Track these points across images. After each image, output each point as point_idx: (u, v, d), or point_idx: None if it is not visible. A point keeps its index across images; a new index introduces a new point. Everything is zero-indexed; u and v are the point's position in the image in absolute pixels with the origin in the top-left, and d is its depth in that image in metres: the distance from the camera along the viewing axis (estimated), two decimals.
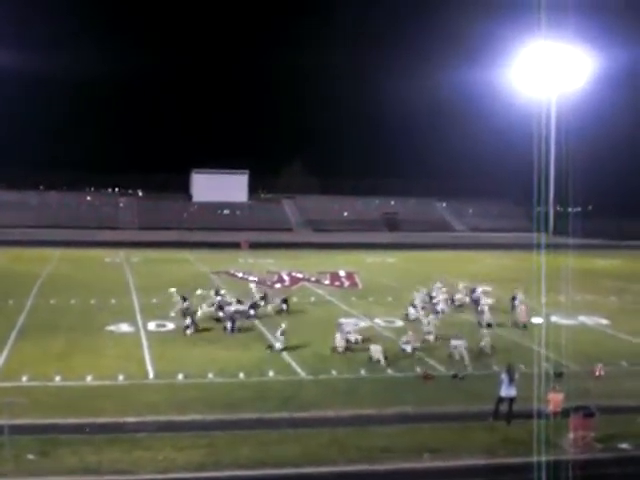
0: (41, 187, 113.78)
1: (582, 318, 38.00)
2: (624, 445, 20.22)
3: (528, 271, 49.74)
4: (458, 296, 41.47)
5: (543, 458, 16.36)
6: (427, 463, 18.99)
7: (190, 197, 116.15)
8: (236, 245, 79.07)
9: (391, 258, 71.34)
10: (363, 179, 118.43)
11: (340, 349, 30.66)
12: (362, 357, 29.71)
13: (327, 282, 48.58)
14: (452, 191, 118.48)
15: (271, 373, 27.28)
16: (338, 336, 31.16)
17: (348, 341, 31.37)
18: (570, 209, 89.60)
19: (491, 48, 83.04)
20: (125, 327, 35.39)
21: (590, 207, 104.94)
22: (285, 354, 30.28)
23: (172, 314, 37.21)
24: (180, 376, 26.59)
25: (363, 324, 35.78)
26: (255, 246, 78.59)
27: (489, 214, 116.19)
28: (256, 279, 51.81)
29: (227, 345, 31.78)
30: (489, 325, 35.27)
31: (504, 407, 22.34)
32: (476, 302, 40.18)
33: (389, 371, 27.90)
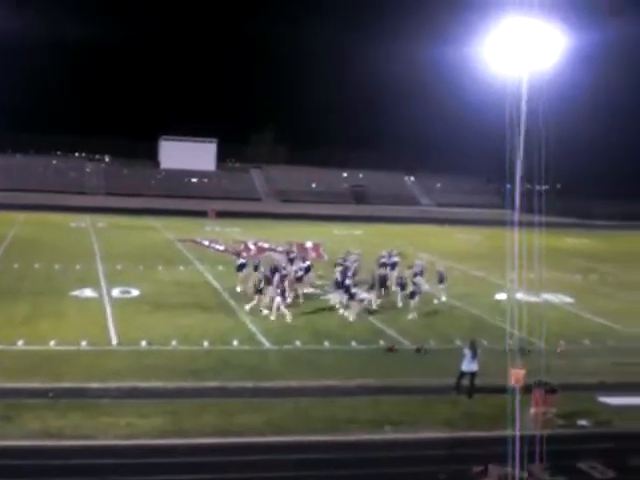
0: (8, 150, 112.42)
1: (547, 296, 38.37)
2: (584, 422, 20.53)
3: (495, 247, 50.14)
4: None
5: (503, 432, 16.57)
6: (388, 435, 19.16)
7: (158, 164, 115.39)
8: (203, 213, 78.82)
9: (358, 230, 71.51)
10: (332, 151, 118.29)
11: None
12: (326, 329, 29.86)
13: (293, 253, 48.67)
14: (421, 166, 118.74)
15: (235, 342, 27.34)
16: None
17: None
18: (539, 187, 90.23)
19: (464, 24, 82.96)
20: (89, 293, 35.23)
21: (559, 186, 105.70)
22: (249, 323, 30.35)
23: (238, 289, 36.61)
24: (144, 343, 26.55)
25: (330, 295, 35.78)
26: (222, 215, 78.37)
27: (458, 190, 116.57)
28: (222, 248, 51.78)
29: (190, 313, 31.76)
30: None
31: (466, 381, 22.58)
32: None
33: (353, 343, 28.06)
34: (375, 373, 24.35)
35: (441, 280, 37.32)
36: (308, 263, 37.84)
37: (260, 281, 32.68)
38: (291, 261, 38.84)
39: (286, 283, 33.47)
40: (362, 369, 24.77)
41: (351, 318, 31.68)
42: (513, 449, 14.99)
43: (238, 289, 36.42)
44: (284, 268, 34.74)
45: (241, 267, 37.35)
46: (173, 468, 16.69)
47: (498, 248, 29.18)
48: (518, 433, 14.60)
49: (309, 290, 36.29)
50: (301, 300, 34.43)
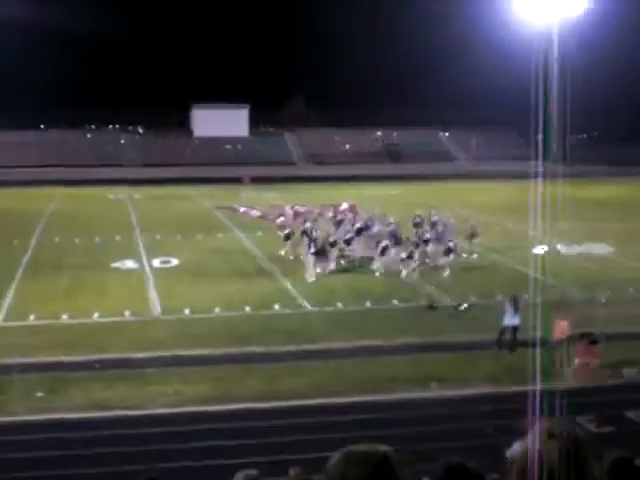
0: (42, 126, 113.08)
1: (587, 246, 38.04)
2: (630, 371, 20.39)
3: (532, 201, 49.71)
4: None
5: (547, 385, 16.51)
6: (432, 393, 19.19)
7: (191, 133, 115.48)
8: (239, 180, 78.92)
9: (393, 190, 71.22)
10: (365, 111, 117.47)
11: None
12: (367, 289, 29.91)
13: (330, 215, 48.61)
14: (455, 121, 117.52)
15: (277, 307, 27.46)
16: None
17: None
18: (573, 136, 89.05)
19: None
20: (130, 264, 35.54)
21: (595, 134, 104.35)
22: (290, 287, 30.47)
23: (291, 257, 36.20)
24: (187, 311, 26.76)
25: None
26: (257, 180, 78.44)
27: (493, 144, 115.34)
28: (259, 213, 51.86)
29: (230, 279, 31.92)
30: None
31: (508, 335, 22.52)
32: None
33: (394, 302, 28.07)
34: (416, 331, 24.36)
35: (473, 235, 37.14)
36: (359, 225, 37.62)
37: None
38: (338, 223, 38.90)
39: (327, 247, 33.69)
40: (403, 328, 24.79)
41: (414, 277, 31.77)
42: (556, 401, 14.95)
43: (291, 257, 36.14)
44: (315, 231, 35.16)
45: (288, 236, 37.16)
46: (220, 434, 16.86)
47: (537, 201, 28.94)
48: (555, 386, 14.53)
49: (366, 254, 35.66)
50: (351, 263, 34.43)
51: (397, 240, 34.78)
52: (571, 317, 21.49)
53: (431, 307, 27.35)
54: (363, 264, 34.51)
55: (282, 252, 36.52)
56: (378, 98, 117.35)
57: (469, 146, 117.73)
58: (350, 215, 43.22)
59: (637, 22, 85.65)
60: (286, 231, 37.49)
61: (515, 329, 22.40)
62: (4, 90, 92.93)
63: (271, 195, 65.38)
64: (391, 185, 76.30)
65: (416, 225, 38.87)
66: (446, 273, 32.42)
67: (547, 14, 42.86)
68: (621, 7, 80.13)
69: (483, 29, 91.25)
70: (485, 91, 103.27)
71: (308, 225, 37.09)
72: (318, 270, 32.15)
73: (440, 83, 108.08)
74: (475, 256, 36.23)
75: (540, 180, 19.33)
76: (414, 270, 31.97)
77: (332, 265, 33.49)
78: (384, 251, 33.06)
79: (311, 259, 32.36)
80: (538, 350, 20.30)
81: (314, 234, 34.66)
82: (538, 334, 21.51)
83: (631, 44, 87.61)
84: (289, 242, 36.88)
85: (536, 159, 30.30)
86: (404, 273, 31.82)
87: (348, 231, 36.34)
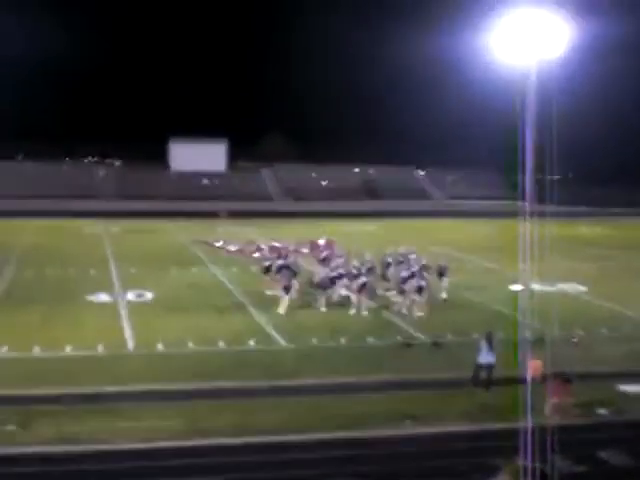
0: (19, 157, 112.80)
1: (562, 285, 38.25)
2: (602, 411, 20.47)
3: (508, 239, 50.02)
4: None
5: (522, 424, 16.53)
6: (407, 430, 19.15)
7: (168, 166, 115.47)
8: (215, 214, 78.89)
9: (371, 226, 71.47)
10: (343, 147, 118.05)
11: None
12: (343, 326, 29.90)
13: (306, 251, 48.61)
14: (431, 160, 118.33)
15: (251, 342, 27.37)
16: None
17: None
18: (550, 177, 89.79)
19: (470, 14, 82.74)
20: (104, 297, 35.32)
21: (570, 175, 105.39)
22: (265, 324, 30.40)
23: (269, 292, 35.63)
24: (160, 346, 26.61)
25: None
26: (234, 215, 78.45)
27: (469, 182, 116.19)
28: (235, 249, 51.80)
29: (205, 314, 31.82)
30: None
31: (483, 374, 22.56)
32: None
33: (369, 339, 28.05)
34: (391, 368, 24.36)
35: (441, 275, 36.64)
36: (369, 266, 36.49)
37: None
38: (324, 261, 38.61)
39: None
40: (379, 365, 24.77)
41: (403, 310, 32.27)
42: (529, 440, 14.96)
43: (269, 292, 35.66)
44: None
45: (268, 269, 36.97)
46: (192, 469, 16.72)
47: (512, 240, 29.08)
48: (531, 424, 14.54)
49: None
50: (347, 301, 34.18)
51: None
52: (544, 356, 21.54)
53: (408, 344, 27.37)
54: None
55: (269, 292, 35.74)
56: (356, 134, 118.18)
57: (444, 184, 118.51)
58: (326, 252, 43.13)
59: (617, 66, 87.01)
60: (266, 264, 37.44)
61: (490, 367, 22.46)
62: None
63: (248, 230, 65.39)
64: (368, 221, 76.55)
65: (387, 265, 37.91)
66: (420, 313, 32.31)
67: (527, 55, 43.43)
68: (602, 50, 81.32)
69: (461, 69, 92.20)
70: (461, 131, 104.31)
71: (291, 259, 37.34)
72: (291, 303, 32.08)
73: (417, 121, 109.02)
74: (444, 295, 35.88)
75: (521, 219, 19.49)
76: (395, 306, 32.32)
77: (336, 296, 33.88)
78: (361, 289, 32.90)
79: (285, 294, 32.43)
80: (512, 388, 20.39)
81: (295, 269, 34.91)
82: (512, 372, 21.60)
83: (612, 88, 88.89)
84: (268, 276, 36.74)
85: (513, 199, 30.57)
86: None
87: (338, 267, 35.58)
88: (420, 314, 32.04)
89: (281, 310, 32.11)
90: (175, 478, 16.26)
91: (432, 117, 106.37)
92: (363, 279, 33.06)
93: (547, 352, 21.58)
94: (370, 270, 35.46)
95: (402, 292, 33.05)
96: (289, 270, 35.05)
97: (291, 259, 38.19)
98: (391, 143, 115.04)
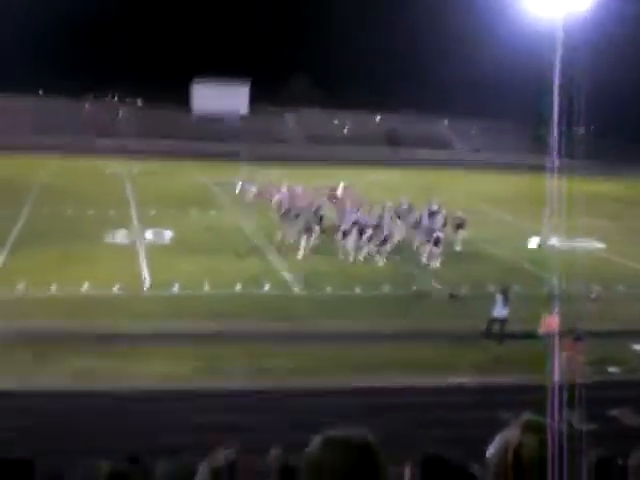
0: (40, 92, 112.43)
1: (580, 241, 38.08)
2: (614, 369, 20.51)
3: (529, 192, 49.71)
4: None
5: (532, 378, 16.61)
6: (417, 380, 19.26)
7: (190, 107, 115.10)
8: (237, 156, 78.74)
9: (392, 175, 71.21)
10: (368, 93, 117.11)
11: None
12: (360, 273, 29.98)
13: (325, 198, 48.58)
14: (457, 109, 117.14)
15: (267, 287, 27.50)
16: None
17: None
18: (575, 130, 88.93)
19: None
20: (122, 237, 35.49)
21: (592, 128, 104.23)
22: (282, 269, 30.52)
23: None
24: (176, 287, 26.78)
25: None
26: (256, 158, 78.31)
27: (493, 134, 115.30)
28: (256, 191, 51.74)
29: (223, 257, 31.92)
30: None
31: (496, 327, 22.63)
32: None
33: (385, 289, 28.11)
34: (405, 318, 24.45)
35: (459, 227, 36.47)
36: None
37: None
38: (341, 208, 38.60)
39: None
40: (392, 314, 24.87)
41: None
42: (549, 396, 15.03)
43: (291, 240, 35.33)
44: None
45: (286, 214, 36.69)
46: (205, 412, 16.91)
47: (533, 193, 28.89)
48: (557, 379, 14.61)
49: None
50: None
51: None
52: (561, 312, 21.55)
53: (452, 295, 27.39)
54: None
55: (279, 235, 36.17)
56: (381, 83, 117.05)
57: (468, 135, 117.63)
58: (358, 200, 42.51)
59: None
60: (283, 210, 37.38)
61: (503, 321, 22.52)
62: (3, 54, 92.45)
63: (269, 173, 65.35)
64: (389, 170, 76.29)
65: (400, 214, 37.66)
66: (437, 262, 32.48)
67: (555, 7, 42.74)
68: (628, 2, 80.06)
69: (489, 19, 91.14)
70: (488, 82, 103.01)
71: (312, 204, 37.46)
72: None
73: (443, 71, 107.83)
74: (458, 248, 35.74)
75: (545, 173, 19.36)
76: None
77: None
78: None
79: (304, 239, 32.69)
80: (525, 343, 20.44)
81: (315, 214, 35.19)
82: (527, 327, 21.62)
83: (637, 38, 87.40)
84: (287, 221, 36.62)
85: (538, 152, 30.35)
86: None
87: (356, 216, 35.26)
88: (436, 265, 32.15)
89: (299, 255, 32.23)
90: (189, 419, 16.43)
91: (458, 67, 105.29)
92: (385, 232, 33.11)
93: (564, 308, 21.63)
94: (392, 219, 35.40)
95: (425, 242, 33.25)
96: (309, 215, 35.02)
97: (312, 204, 38.10)
98: (415, 91, 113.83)
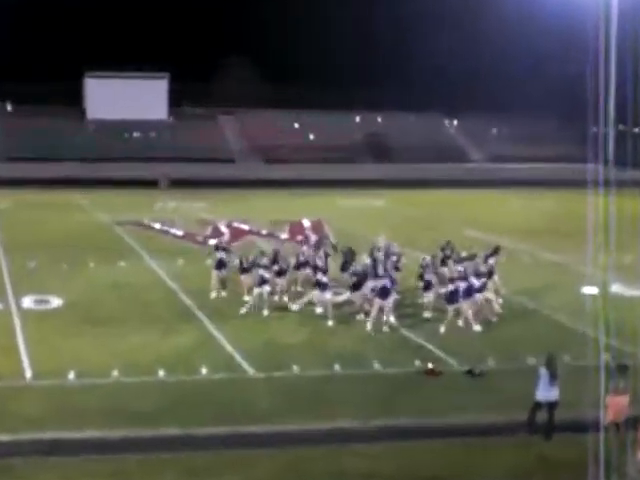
0: None
1: None
2: None
3: (576, 218, 50.06)
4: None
5: None
6: None
7: (83, 112, 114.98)
8: (152, 183, 78.78)
9: (379, 200, 71.48)
10: (336, 87, 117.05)
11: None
12: (338, 346, 29.93)
13: (285, 236, 48.52)
14: (467, 106, 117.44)
15: (204, 369, 27.34)
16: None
17: None
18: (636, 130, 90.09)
19: None
20: None
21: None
22: (225, 341, 30.40)
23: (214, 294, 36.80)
24: (71, 375, 26.55)
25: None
26: (179, 184, 78.34)
27: (520, 138, 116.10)
28: (181, 233, 51.61)
29: (138, 329, 31.77)
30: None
31: (543, 415, 22.59)
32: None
33: (375, 365, 28.06)
34: (407, 408, 24.38)
35: (490, 275, 36.58)
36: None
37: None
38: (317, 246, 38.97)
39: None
40: (388, 403, 24.79)
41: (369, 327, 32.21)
42: None
43: (213, 294, 36.64)
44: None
45: (220, 264, 37.22)
46: None
47: (581, 219, 28.96)
48: None
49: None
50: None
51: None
52: (631, 391, 21.58)
53: (432, 372, 27.38)
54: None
55: (213, 293, 36.64)
56: (357, 71, 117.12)
57: (487, 139, 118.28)
58: (314, 237, 43.08)
59: None
60: (219, 255, 37.37)
61: (552, 406, 22.48)
62: None
63: (199, 206, 65.30)
64: (375, 193, 76.55)
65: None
66: (427, 314, 32.84)
67: None
68: None
69: None
70: (508, 68, 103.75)
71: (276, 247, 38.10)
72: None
73: (446, 55, 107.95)
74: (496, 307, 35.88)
75: (596, 189, 19.43)
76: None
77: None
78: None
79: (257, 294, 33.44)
80: (584, 437, 20.44)
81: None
82: (584, 413, 21.66)
83: None
84: (223, 272, 36.98)
85: (582, 161, 30.65)
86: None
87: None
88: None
89: (243, 310, 32.42)
90: None
91: (468, 49, 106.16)
92: (382, 281, 33.28)
93: (635, 385, 21.65)
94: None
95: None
96: (263, 264, 35.08)
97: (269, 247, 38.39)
98: (409, 83, 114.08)
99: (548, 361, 23.17)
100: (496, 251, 36.91)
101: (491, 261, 36.30)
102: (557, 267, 44.21)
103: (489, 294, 33.69)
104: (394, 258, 36.45)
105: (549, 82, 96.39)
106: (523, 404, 22.87)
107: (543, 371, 22.86)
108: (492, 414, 23.82)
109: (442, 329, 32.14)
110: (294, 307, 34.54)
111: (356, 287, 33.70)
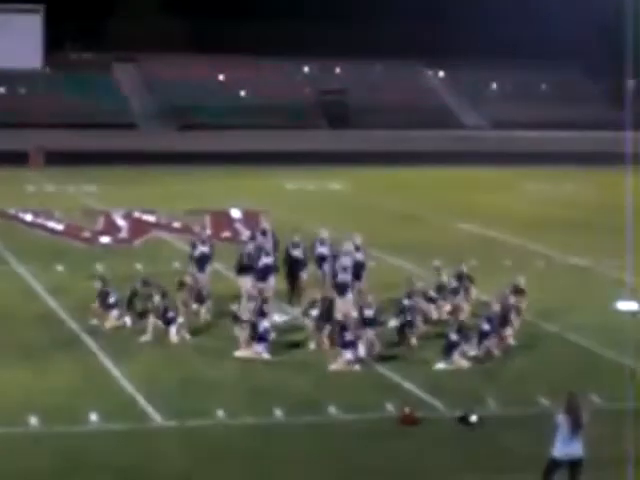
0: None
1: None
2: None
3: (606, 207, 50.33)
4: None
5: None
6: None
7: None
8: (21, 157, 78.64)
9: (335, 182, 71.71)
10: (275, 27, 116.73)
11: None
12: (280, 378, 30.01)
13: (206, 232, 48.64)
14: (458, 51, 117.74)
15: (94, 417, 27.25)
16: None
17: None
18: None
19: None
20: None
21: None
22: (123, 378, 30.35)
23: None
24: None
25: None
26: (58, 159, 78.19)
27: (529, 95, 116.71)
28: (61, 227, 51.52)
29: (6, 361, 31.68)
30: None
31: (564, 475, 22.66)
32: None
33: (330, 409, 28.06)
34: (374, 471, 24.40)
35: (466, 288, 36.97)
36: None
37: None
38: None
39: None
40: (347, 461, 24.79)
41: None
42: None
43: (94, 321, 36.25)
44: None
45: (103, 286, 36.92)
46: None
47: (613, 208, 29.12)
48: None
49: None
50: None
51: None
52: None
53: (409, 420, 27.43)
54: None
55: (94, 321, 36.26)
56: (304, 5, 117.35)
57: (484, 97, 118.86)
58: (246, 232, 43.28)
59: None
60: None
61: (575, 465, 22.52)
62: None
63: (87, 190, 65.23)
64: (331, 171, 76.83)
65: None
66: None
67: None
68: None
69: None
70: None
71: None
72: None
73: None
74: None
75: (629, 165, 19.54)
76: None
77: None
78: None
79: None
80: None
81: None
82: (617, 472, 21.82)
83: None
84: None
85: (612, 127, 30.89)
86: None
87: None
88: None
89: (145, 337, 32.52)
90: None
91: None
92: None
93: None
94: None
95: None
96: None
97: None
98: (374, 21, 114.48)
99: (569, 404, 23.21)
100: (517, 291, 36.76)
101: (511, 300, 36.37)
102: (583, 274, 44.40)
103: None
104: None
105: (570, 23, 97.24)
106: (535, 463, 22.94)
107: (562, 418, 22.90)
108: (493, 478, 23.91)
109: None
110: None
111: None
